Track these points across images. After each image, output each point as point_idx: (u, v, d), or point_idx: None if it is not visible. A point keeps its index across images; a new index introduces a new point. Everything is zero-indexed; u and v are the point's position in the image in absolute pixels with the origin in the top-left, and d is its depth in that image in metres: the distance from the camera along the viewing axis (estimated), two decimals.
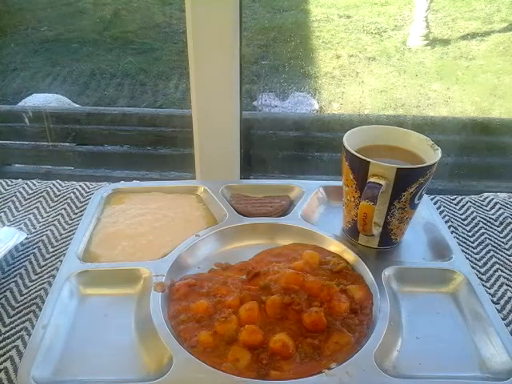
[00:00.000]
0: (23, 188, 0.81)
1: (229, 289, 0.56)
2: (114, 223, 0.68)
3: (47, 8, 3.57)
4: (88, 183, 0.82)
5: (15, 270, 0.65)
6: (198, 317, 0.53)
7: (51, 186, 0.82)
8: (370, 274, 0.59)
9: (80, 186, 0.82)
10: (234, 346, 0.50)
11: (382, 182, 0.57)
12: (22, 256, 0.67)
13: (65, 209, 0.77)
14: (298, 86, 2.61)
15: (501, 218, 0.76)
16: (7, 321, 0.57)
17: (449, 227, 0.71)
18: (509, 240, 0.71)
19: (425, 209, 0.70)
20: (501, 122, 1.72)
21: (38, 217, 0.75)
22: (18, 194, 0.80)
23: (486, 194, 0.81)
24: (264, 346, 0.50)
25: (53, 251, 0.68)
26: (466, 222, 0.75)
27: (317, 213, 0.72)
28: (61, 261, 0.64)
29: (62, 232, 0.72)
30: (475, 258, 0.68)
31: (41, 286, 0.62)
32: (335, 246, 0.64)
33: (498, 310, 0.58)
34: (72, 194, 0.80)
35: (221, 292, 0.56)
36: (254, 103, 2.44)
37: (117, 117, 1.73)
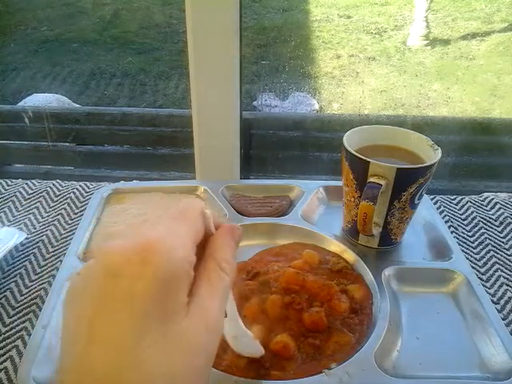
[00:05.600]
0: (23, 188, 0.81)
1: None
2: (114, 223, 0.68)
3: (47, 8, 3.58)
4: (88, 183, 0.82)
5: (15, 270, 0.65)
6: None
7: (51, 186, 0.82)
8: (369, 273, 0.59)
9: (80, 186, 0.82)
10: None
11: (382, 182, 0.56)
12: (22, 256, 0.67)
13: (65, 209, 0.77)
14: (297, 86, 2.61)
15: (501, 218, 0.75)
16: (7, 321, 0.57)
17: (449, 227, 0.71)
18: (509, 240, 0.71)
19: (425, 209, 0.70)
20: (501, 122, 1.72)
21: (38, 217, 0.75)
22: (17, 193, 0.80)
23: (486, 194, 0.81)
24: (264, 346, 0.50)
25: (53, 251, 0.68)
26: (466, 222, 0.75)
27: (317, 213, 0.72)
28: (61, 261, 0.64)
29: (62, 232, 0.72)
30: (475, 258, 0.68)
31: (41, 286, 0.62)
32: (335, 246, 0.64)
33: (498, 310, 0.58)
34: (72, 194, 0.80)
35: None
36: (254, 103, 2.44)
37: (117, 117, 1.73)
